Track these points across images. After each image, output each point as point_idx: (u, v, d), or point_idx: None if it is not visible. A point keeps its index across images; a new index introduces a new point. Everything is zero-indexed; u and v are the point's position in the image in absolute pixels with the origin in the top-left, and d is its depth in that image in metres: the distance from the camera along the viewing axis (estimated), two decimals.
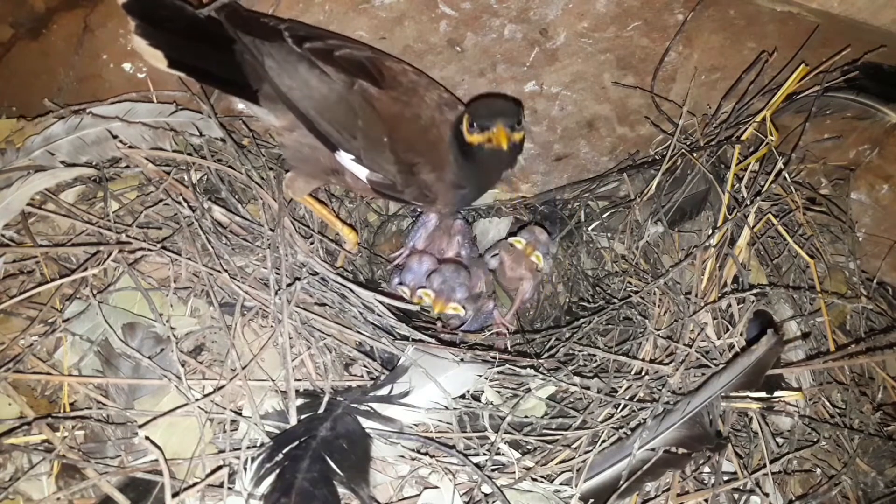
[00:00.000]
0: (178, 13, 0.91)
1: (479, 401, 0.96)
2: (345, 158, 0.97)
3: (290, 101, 0.93)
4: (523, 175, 1.46)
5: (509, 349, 1.21)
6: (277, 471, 0.71)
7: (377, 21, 1.16)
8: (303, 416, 0.80)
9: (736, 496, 0.88)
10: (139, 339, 0.86)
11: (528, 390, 0.99)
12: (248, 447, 0.76)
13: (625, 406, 0.94)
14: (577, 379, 0.99)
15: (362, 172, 0.99)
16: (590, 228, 1.47)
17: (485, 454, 0.86)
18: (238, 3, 0.98)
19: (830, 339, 1.05)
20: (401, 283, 1.24)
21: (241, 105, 1.20)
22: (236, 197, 1.05)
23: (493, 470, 0.84)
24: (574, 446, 0.90)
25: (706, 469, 0.90)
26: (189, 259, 0.91)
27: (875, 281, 1.24)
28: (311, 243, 1.10)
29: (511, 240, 1.35)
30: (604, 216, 1.46)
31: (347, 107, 0.94)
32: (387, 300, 1.00)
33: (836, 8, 1.12)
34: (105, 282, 0.90)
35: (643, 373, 0.99)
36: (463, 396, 0.94)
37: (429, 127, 1.01)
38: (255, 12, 1.04)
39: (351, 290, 0.99)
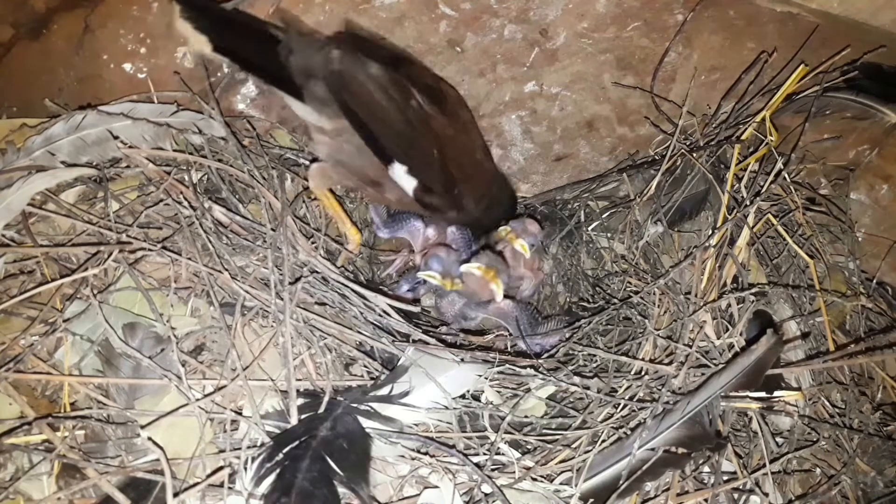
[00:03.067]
0: (217, 4, 0.95)
1: (479, 401, 0.96)
2: (398, 171, 1.02)
3: (354, 113, 0.96)
4: (523, 175, 1.46)
5: (509, 349, 1.21)
6: (278, 470, 0.71)
7: (377, 21, 1.16)
8: (303, 416, 0.80)
9: (735, 496, 0.88)
10: (139, 339, 0.86)
11: (528, 390, 0.99)
12: (249, 447, 0.76)
13: (624, 406, 0.94)
14: (576, 379, 0.99)
15: (410, 184, 1.04)
16: (590, 228, 1.46)
17: (485, 454, 0.86)
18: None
19: (830, 339, 1.05)
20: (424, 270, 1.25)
21: (241, 105, 1.21)
22: (237, 197, 1.05)
23: (492, 470, 0.84)
24: (574, 446, 0.90)
25: (706, 469, 0.90)
26: (189, 259, 0.91)
27: (875, 281, 1.24)
28: (313, 242, 1.10)
29: (500, 228, 1.36)
30: (604, 216, 1.45)
31: (406, 122, 0.99)
32: (392, 301, 1.00)
33: (835, 8, 1.13)
34: (105, 282, 0.91)
35: (643, 373, 0.99)
36: (463, 396, 0.94)
37: (472, 152, 1.14)
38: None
39: (354, 290, 0.99)
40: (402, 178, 1.02)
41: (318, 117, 0.99)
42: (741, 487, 0.88)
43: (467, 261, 1.25)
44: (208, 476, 0.75)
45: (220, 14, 0.94)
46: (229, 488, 0.74)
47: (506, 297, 1.25)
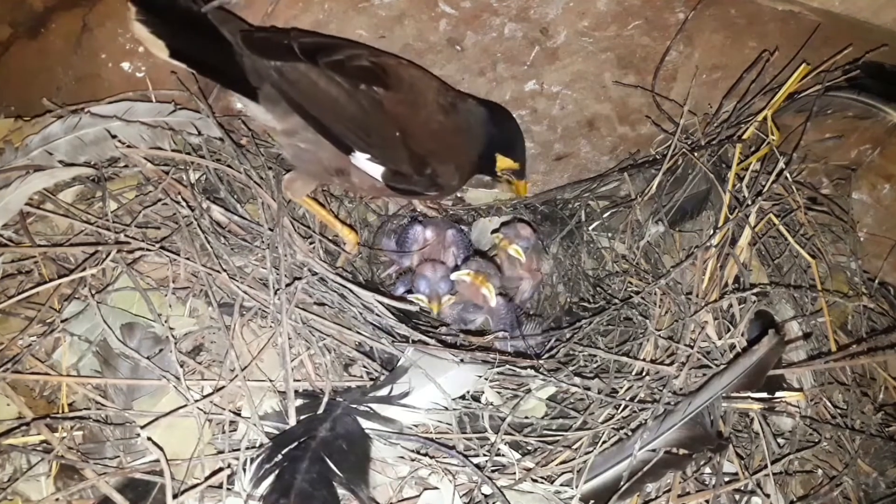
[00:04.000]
0: (178, 5, 0.92)
1: (479, 401, 0.96)
2: (360, 159, 1.00)
3: (302, 107, 0.94)
4: None
5: (509, 349, 1.20)
6: (276, 471, 0.71)
7: (377, 20, 1.16)
8: (302, 417, 0.80)
9: (737, 497, 0.88)
10: (138, 340, 0.86)
11: (529, 391, 0.99)
12: (248, 448, 0.76)
13: (625, 407, 0.94)
14: (577, 379, 0.99)
15: (377, 170, 1.02)
16: (590, 228, 1.46)
17: (485, 455, 0.86)
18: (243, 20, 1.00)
19: (832, 340, 1.05)
20: (414, 292, 1.25)
21: (239, 104, 1.20)
22: (235, 197, 1.05)
23: (493, 471, 0.84)
24: (574, 447, 0.90)
25: (707, 470, 0.89)
26: (188, 259, 0.91)
27: (877, 281, 1.23)
28: (311, 243, 1.10)
29: (492, 235, 1.35)
30: (604, 216, 1.45)
31: (359, 108, 0.97)
32: (387, 300, 1.00)
33: (837, 7, 1.12)
34: (103, 282, 0.90)
35: (644, 373, 0.99)
36: (463, 397, 0.93)
37: (432, 119, 1.06)
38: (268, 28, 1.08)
39: (351, 290, 0.98)
40: (367, 165, 1.00)
41: (272, 117, 0.99)
42: (743, 488, 0.88)
43: (458, 268, 1.25)
44: (207, 477, 0.75)
45: (179, 16, 0.91)
46: (228, 489, 0.74)
47: (500, 294, 1.25)
